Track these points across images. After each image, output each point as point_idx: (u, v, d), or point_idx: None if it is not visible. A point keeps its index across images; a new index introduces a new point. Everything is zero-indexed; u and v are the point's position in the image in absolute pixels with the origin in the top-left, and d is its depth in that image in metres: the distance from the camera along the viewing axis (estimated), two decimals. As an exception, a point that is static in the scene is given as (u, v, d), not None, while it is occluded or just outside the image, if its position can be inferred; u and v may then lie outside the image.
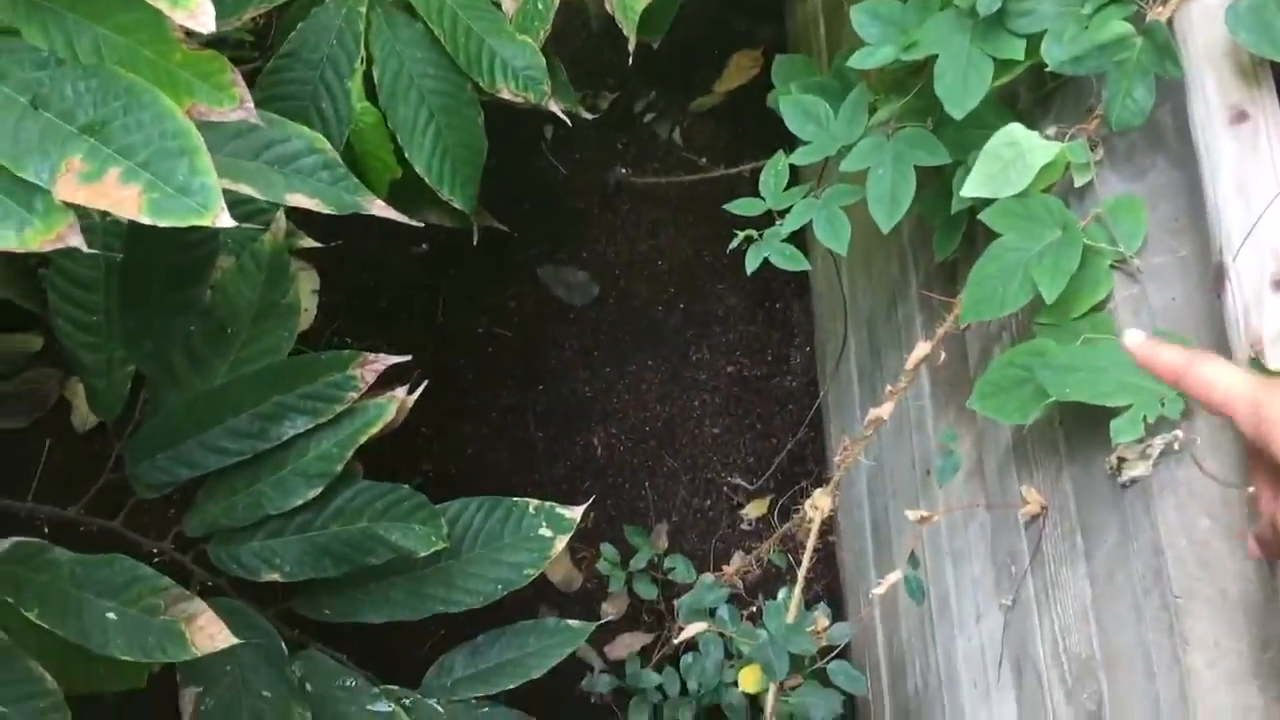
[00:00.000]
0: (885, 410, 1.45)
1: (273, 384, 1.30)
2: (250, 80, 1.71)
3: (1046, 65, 1.18)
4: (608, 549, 2.05)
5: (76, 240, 0.89)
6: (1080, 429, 1.20)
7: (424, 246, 2.59)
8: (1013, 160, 1.20)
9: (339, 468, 1.34)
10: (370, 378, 1.31)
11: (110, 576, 1.17)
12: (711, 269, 2.59)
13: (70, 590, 1.15)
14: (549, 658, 1.51)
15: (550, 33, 1.59)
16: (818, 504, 1.54)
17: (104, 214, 1.32)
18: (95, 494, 1.51)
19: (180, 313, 1.32)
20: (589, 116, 1.73)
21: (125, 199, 0.87)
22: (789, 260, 1.50)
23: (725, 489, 2.38)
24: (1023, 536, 1.33)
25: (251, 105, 0.98)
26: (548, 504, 1.53)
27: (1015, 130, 1.20)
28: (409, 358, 1.31)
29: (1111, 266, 1.16)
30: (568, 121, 1.65)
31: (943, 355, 1.39)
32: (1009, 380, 1.19)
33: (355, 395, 1.30)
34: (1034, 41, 1.20)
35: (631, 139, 2.74)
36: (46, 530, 1.57)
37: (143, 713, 1.52)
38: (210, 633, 1.12)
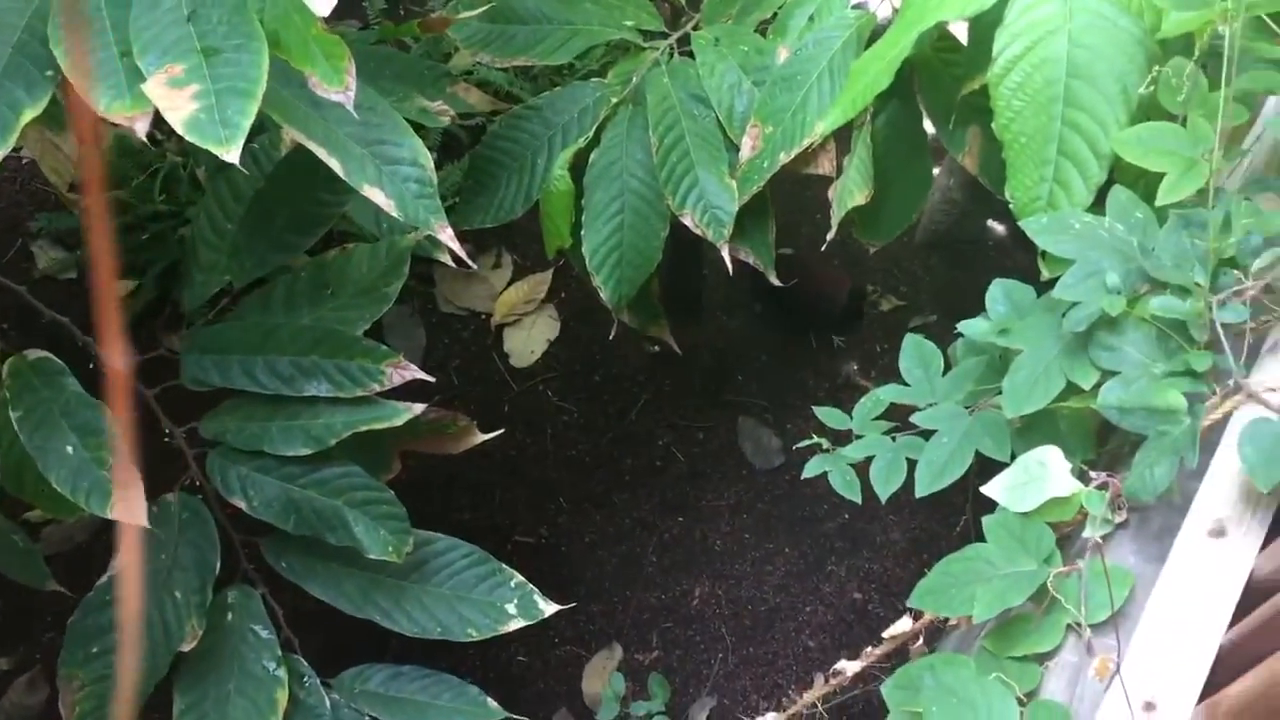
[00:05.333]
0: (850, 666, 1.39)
1: (318, 343, 1.41)
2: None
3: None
4: (617, 679, 2.03)
5: (141, 128, 1.04)
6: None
7: (655, 348, 2.70)
8: (1035, 479, 1.13)
9: (333, 442, 1.42)
10: (396, 379, 1.39)
11: (90, 419, 1.31)
12: (894, 498, 2.51)
13: (55, 413, 1.31)
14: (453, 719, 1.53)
15: (763, 191, 1.64)
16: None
17: (264, 141, 1.51)
18: (148, 360, 1.64)
19: (288, 251, 1.47)
20: (778, 283, 1.75)
21: (180, 109, 1.01)
22: (845, 486, 1.48)
23: (784, 700, 2.29)
24: None
25: (353, 94, 1.10)
26: (530, 586, 1.55)
27: (1049, 453, 1.13)
28: (433, 379, 1.38)
29: (1069, 627, 1.07)
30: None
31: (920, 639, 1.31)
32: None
33: (377, 387, 1.39)
34: (1107, 377, 1.13)
35: (893, 347, 2.72)
36: (93, 365, 1.66)
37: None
38: (129, 507, 1.24)
